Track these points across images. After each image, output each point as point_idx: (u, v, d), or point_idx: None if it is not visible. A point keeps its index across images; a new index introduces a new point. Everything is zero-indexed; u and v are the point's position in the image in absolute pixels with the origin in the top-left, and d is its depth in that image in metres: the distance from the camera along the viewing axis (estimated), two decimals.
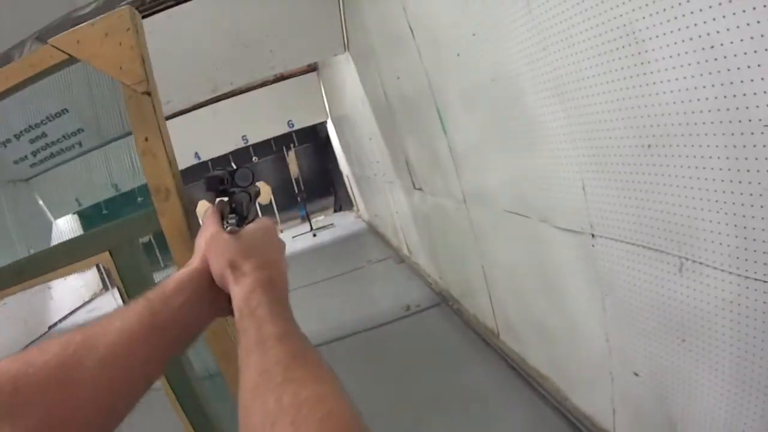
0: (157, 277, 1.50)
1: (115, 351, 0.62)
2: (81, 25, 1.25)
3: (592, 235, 1.94)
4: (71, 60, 1.29)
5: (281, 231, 13.60)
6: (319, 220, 12.65)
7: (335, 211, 14.03)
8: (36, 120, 1.48)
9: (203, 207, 0.93)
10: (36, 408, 0.53)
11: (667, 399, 1.79)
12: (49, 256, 1.44)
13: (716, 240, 1.29)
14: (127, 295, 1.39)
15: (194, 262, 0.78)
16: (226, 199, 0.91)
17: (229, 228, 0.79)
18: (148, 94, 1.28)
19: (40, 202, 1.71)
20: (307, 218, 12.32)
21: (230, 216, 0.82)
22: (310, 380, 0.52)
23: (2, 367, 0.55)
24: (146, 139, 1.29)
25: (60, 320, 10.63)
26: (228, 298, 0.74)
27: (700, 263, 1.38)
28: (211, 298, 0.76)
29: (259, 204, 11.27)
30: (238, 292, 0.70)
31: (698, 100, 1.19)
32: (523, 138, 2.23)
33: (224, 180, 0.91)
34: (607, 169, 1.70)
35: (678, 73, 1.23)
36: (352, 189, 11.60)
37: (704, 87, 1.16)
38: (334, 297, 6.84)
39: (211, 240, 0.78)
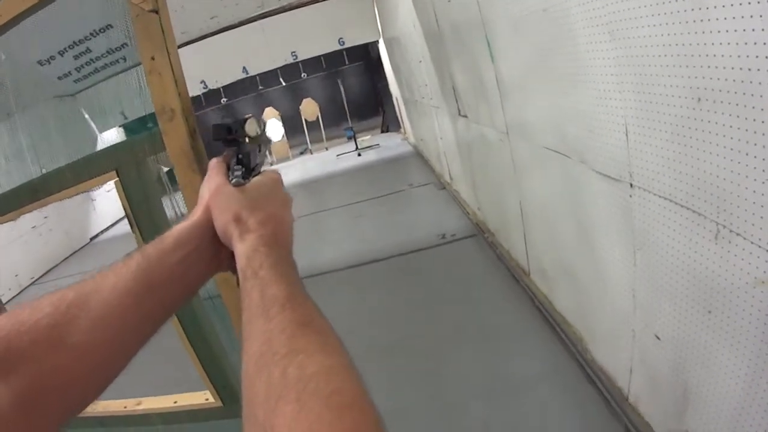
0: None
1: (108, 311, 0.61)
2: None
3: (631, 185, 1.82)
4: None
5: (326, 149, 13.63)
6: (365, 139, 12.56)
7: (382, 131, 13.92)
8: (80, 36, 1.45)
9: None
10: (28, 367, 0.53)
11: (684, 368, 1.72)
12: (59, 175, 1.43)
13: (758, 212, 1.17)
14: (133, 216, 1.38)
15: (196, 214, 0.75)
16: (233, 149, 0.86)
17: (234, 180, 0.77)
18: (156, 12, 1.22)
19: (86, 116, 1.72)
20: (353, 139, 12.25)
21: (236, 168, 0.79)
22: (317, 351, 0.50)
23: None
24: (153, 58, 1.25)
25: (102, 231, 11.02)
26: (230, 253, 0.72)
27: (737, 234, 1.27)
28: (212, 252, 0.74)
29: (306, 120, 11.45)
30: (241, 249, 0.67)
31: (756, 57, 1.04)
32: (570, 74, 2.08)
33: (232, 129, 0.86)
34: (652, 117, 1.56)
35: (738, 23, 1.07)
36: (400, 111, 11.42)
37: (764, 43, 1.01)
38: (373, 218, 6.89)
39: (215, 192, 0.75)
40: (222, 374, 1.52)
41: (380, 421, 0.45)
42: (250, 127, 0.87)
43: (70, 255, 9.72)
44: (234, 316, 1.36)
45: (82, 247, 10.20)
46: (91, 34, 1.44)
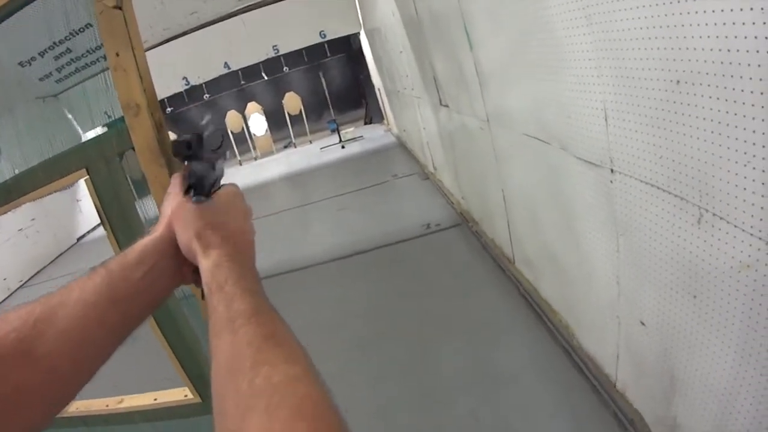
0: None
1: (73, 324, 0.62)
2: None
3: (611, 170, 1.80)
4: None
5: (310, 142, 13.57)
6: (348, 132, 12.51)
7: (365, 123, 13.87)
8: (60, 36, 1.44)
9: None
10: None
11: (670, 353, 1.71)
12: (31, 175, 1.42)
13: (740, 195, 1.15)
14: (104, 213, 1.36)
15: (159, 229, 0.77)
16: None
17: (195, 198, 0.78)
18: (119, 8, 1.20)
19: (69, 117, 1.70)
20: (336, 131, 12.22)
21: (196, 183, 0.80)
22: (282, 362, 0.52)
23: None
24: (117, 54, 1.23)
25: (88, 231, 10.92)
26: (193, 267, 0.75)
27: (720, 218, 1.25)
28: (175, 267, 0.76)
29: (289, 114, 11.42)
30: (205, 265, 0.69)
31: (735, 37, 1.02)
32: (547, 60, 2.05)
33: (192, 145, 0.84)
34: (631, 101, 1.53)
35: (717, 3, 1.04)
36: (383, 102, 11.39)
37: (743, 24, 0.99)
38: (357, 210, 6.87)
39: (177, 209, 0.77)
40: (199, 371, 1.51)
41: (344, 425, 0.47)
42: (209, 142, 0.87)
43: (58, 256, 9.67)
44: (206, 314, 1.35)
45: (69, 248, 10.14)
46: (71, 34, 1.43)
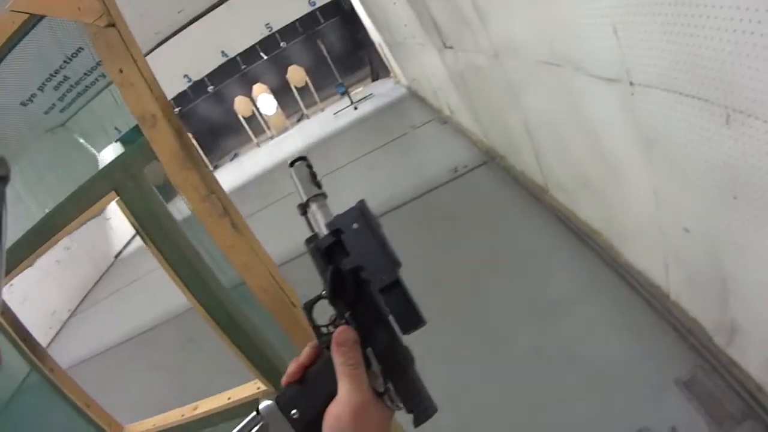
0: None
1: None
2: None
3: (630, 83, 1.75)
4: (34, 17, 1.21)
5: (322, 110, 13.48)
6: (358, 92, 12.36)
7: (373, 80, 13.67)
8: (54, 67, 1.44)
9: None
10: None
11: (718, 256, 1.69)
12: (61, 210, 1.43)
13: (766, 90, 1.11)
14: (142, 230, 1.37)
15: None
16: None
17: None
18: (113, 25, 1.19)
19: (81, 141, 1.73)
20: (346, 94, 12.08)
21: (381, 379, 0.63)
22: None
23: None
24: (121, 71, 1.23)
25: (124, 247, 10.95)
26: None
27: (749, 115, 1.21)
28: None
29: (295, 87, 11.26)
30: None
31: None
32: None
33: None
34: (639, 8, 1.47)
35: None
36: (386, 56, 11.18)
37: None
38: (381, 168, 6.84)
39: (361, 413, 0.60)
40: (266, 360, 1.51)
41: None
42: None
43: (100, 278, 9.76)
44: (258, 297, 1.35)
45: (109, 267, 10.23)
46: (65, 62, 1.43)
